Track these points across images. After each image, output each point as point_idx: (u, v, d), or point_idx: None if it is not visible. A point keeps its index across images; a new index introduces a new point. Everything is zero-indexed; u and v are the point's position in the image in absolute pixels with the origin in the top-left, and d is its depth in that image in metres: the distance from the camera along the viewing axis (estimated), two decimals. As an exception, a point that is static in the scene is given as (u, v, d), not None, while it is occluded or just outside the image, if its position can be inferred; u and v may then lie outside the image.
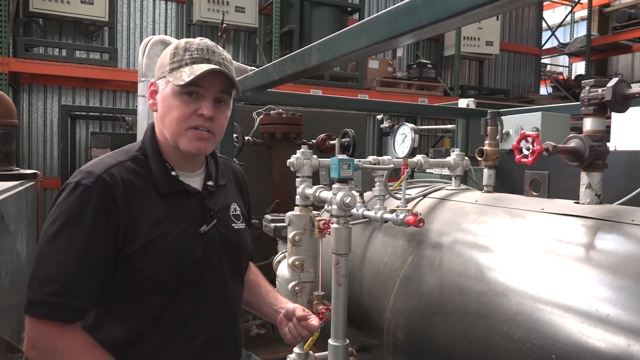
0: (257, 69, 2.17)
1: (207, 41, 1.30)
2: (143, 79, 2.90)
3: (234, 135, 3.07)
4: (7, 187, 2.75)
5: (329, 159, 1.70)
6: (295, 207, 1.95)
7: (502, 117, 2.08)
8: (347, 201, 1.54)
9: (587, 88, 1.36)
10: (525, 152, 1.41)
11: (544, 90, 11.15)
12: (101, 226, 1.16)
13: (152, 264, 1.20)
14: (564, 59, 12.33)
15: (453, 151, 2.05)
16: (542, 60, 11.05)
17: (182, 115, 1.24)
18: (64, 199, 1.17)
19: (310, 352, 1.81)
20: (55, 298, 1.12)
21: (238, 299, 1.43)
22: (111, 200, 1.17)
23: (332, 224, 1.61)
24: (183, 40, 1.29)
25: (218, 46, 1.31)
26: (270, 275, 2.03)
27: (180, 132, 1.25)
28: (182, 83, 1.21)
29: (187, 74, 1.22)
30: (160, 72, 1.29)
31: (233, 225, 1.39)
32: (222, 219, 1.35)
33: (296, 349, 1.82)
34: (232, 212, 1.41)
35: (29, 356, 1.14)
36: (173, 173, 1.29)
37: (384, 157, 1.92)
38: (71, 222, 1.14)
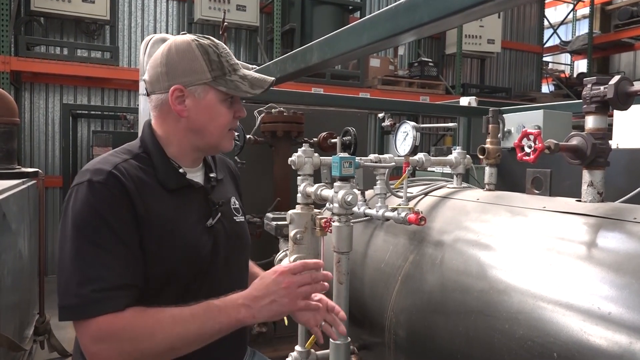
0: (258, 68, 2.17)
1: (217, 40, 1.33)
2: (144, 78, 2.89)
3: (235, 134, 3.07)
4: (9, 186, 2.75)
5: (331, 158, 1.70)
6: (297, 206, 1.95)
7: (503, 115, 2.08)
8: (349, 199, 1.54)
9: (589, 86, 1.35)
10: (527, 150, 1.40)
11: (545, 88, 11.13)
12: (124, 218, 1.16)
13: (166, 259, 1.21)
14: (565, 57, 12.30)
15: (454, 149, 2.04)
16: (544, 59, 11.02)
17: (228, 121, 1.32)
18: (79, 199, 1.16)
19: (312, 350, 1.81)
20: (104, 294, 1.11)
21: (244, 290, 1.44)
22: (125, 193, 1.18)
23: (333, 222, 1.61)
24: (202, 42, 1.28)
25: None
26: (272, 273, 2.03)
27: (223, 136, 1.33)
28: (250, 95, 1.29)
29: (247, 85, 1.28)
30: (194, 79, 1.26)
31: (235, 218, 1.42)
32: (225, 212, 1.37)
33: (298, 347, 1.82)
34: (233, 205, 1.44)
35: None
36: (181, 170, 1.30)
37: (386, 156, 1.92)
38: (94, 219, 1.14)
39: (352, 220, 1.63)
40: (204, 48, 1.27)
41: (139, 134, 1.38)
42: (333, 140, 3.47)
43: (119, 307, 1.12)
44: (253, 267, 1.62)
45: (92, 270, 1.12)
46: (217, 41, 1.32)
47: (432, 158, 1.99)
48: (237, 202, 1.47)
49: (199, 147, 1.34)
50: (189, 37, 1.30)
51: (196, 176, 1.36)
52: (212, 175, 1.39)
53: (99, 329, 1.10)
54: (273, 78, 1.34)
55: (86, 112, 6.67)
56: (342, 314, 1.40)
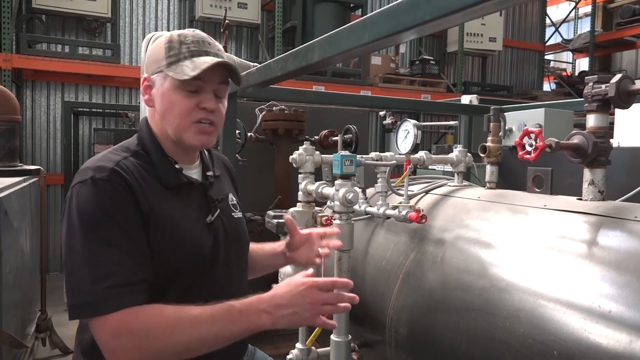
0: (259, 65, 2.17)
1: (200, 32, 1.30)
2: (146, 75, 2.90)
3: (237, 132, 3.07)
4: (11, 183, 2.76)
5: (332, 155, 1.70)
6: (298, 203, 1.95)
7: (505, 114, 2.08)
8: (350, 197, 1.55)
9: (591, 84, 1.35)
10: (528, 148, 1.40)
11: (547, 86, 11.11)
12: (129, 213, 1.16)
13: (169, 257, 1.20)
14: (567, 55, 12.27)
15: (456, 147, 2.04)
16: (546, 57, 10.99)
17: (186, 110, 1.24)
18: (83, 197, 1.15)
19: (313, 347, 1.81)
20: (117, 290, 1.10)
21: (244, 288, 1.44)
22: (129, 190, 1.17)
23: (334, 220, 1.61)
24: (175, 33, 1.28)
25: (210, 37, 1.32)
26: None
27: (184, 127, 1.25)
28: (189, 78, 1.20)
29: (191, 68, 1.21)
30: (155, 67, 1.27)
31: (233, 214, 1.42)
32: (223, 208, 1.37)
33: (298, 345, 1.82)
34: (230, 201, 1.43)
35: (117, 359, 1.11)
36: (177, 166, 1.29)
37: (387, 154, 1.92)
38: (101, 216, 1.13)
39: (353, 218, 1.63)
40: (172, 37, 1.26)
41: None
42: (334, 138, 3.48)
43: (134, 303, 1.11)
44: (256, 246, 1.63)
45: (104, 267, 1.11)
46: (197, 32, 1.28)
47: (433, 156, 1.99)
48: (234, 198, 1.47)
49: (173, 140, 1.30)
50: (176, 30, 1.30)
51: (193, 173, 1.36)
52: (208, 173, 1.38)
53: (116, 325, 1.09)
54: (224, 60, 1.24)
55: (87, 109, 6.67)
56: (335, 230, 1.48)
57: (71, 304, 1.12)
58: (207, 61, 1.22)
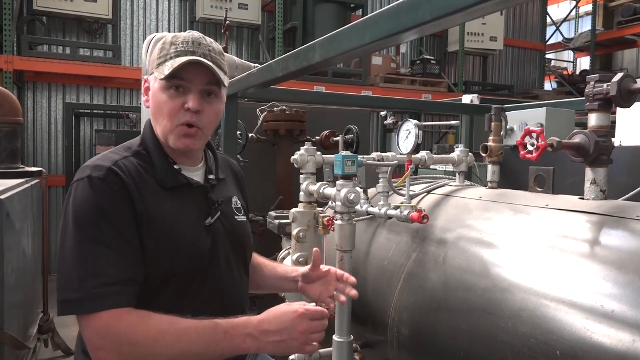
0: (260, 66, 2.18)
1: (194, 33, 1.30)
2: (146, 77, 2.90)
3: (238, 132, 3.07)
4: (13, 185, 2.76)
5: (333, 156, 1.70)
6: (299, 204, 1.95)
7: (506, 113, 2.07)
8: (351, 197, 1.54)
9: (592, 83, 1.35)
10: (530, 147, 1.40)
11: (548, 85, 11.09)
12: (123, 213, 1.16)
13: (164, 257, 1.21)
14: (568, 54, 12.26)
15: (457, 147, 2.04)
16: (547, 56, 10.98)
17: (171, 111, 1.25)
18: (79, 195, 1.16)
19: (315, 348, 1.81)
20: (106, 289, 1.11)
21: (244, 290, 1.44)
22: (124, 189, 1.18)
23: (336, 220, 1.61)
24: (170, 35, 1.29)
25: (206, 37, 1.31)
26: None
27: (170, 129, 1.26)
28: (163, 76, 1.22)
29: (169, 67, 1.22)
30: (150, 68, 1.30)
31: (235, 217, 1.41)
32: (225, 211, 1.37)
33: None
34: (234, 204, 1.43)
35: (98, 358, 1.11)
36: (176, 167, 1.30)
37: (388, 154, 1.92)
38: (95, 215, 1.14)
39: (355, 219, 1.63)
40: (166, 38, 1.28)
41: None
42: (335, 139, 3.47)
43: (123, 302, 1.12)
44: (259, 257, 1.63)
45: (94, 265, 1.12)
46: (193, 33, 1.29)
47: (434, 156, 1.99)
48: (238, 202, 1.46)
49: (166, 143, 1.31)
50: (176, 33, 1.32)
51: (195, 175, 1.36)
52: (210, 176, 1.38)
53: (103, 325, 1.10)
54: (196, 58, 1.22)
55: (89, 111, 6.68)
56: (352, 278, 1.44)
57: (60, 299, 1.13)
58: (183, 60, 1.22)
